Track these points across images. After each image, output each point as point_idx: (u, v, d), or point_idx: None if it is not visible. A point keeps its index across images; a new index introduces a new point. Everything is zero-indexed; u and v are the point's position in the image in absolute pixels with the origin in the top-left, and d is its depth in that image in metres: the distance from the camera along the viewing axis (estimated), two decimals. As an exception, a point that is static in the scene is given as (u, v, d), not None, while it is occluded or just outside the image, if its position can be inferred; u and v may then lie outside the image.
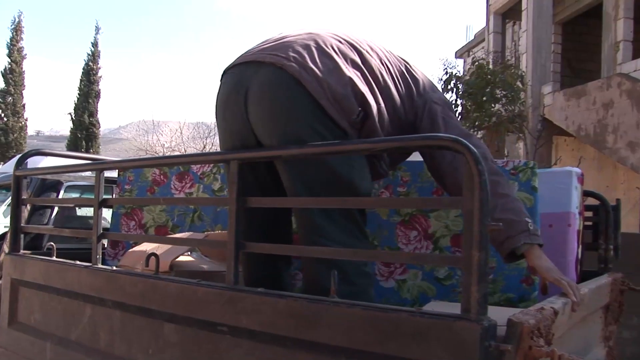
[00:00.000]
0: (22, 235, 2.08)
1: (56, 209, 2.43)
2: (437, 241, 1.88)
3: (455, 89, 10.12)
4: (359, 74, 1.38)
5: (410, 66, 1.53)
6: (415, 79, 1.50)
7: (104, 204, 1.75)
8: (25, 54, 22.97)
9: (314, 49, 1.38)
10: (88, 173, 2.55)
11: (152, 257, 1.55)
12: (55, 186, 2.43)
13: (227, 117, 1.48)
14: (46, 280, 1.88)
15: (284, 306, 1.16)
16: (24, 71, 22.84)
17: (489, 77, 9.48)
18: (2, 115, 22.55)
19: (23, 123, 23.02)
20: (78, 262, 1.80)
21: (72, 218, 2.53)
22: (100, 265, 1.71)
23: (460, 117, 8.95)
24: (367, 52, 1.44)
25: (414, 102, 1.47)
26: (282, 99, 1.35)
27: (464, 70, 12.15)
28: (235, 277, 1.32)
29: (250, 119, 1.41)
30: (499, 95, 9.65)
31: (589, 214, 2.29)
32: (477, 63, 10.15)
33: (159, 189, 2.40)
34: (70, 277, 1.78)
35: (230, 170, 1.32)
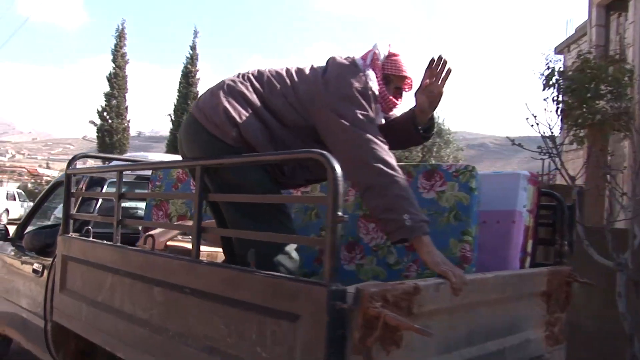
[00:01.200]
0: (71, 221, 2.67)
1: (100, 200, 3.02)
2: (388, 232, 2.19)
3: (557, 85, 9.75)
4: (237, 104, 1.84)
5: (317, 78, 1.87)
6: (310, 93, 1.84)
7: (123, 196, 2.27)
8: (128, 59, 24.28)
9: (209, 93, 1.95)
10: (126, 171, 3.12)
11: (150, 238, 2.03)
12: (100, 182, 3.02)
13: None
14: (83, 255, 2.43)
15: (218, 273, 1.58)
16: (127, 75, 24.11)
17: (594, 71, 9.04)
18: (107, 117, 23.79)
19: (126, 124, 24.22)
20: (104, 242, 2.33)
21: (112, 208, 3.12)
22: (117, 244, 2.22)
23: (561, 115, 8.64)
24: (255, 85, 1.89)
25: (308, 111, 1.83)
26: (186, 131, 1.99)
27: (564, 66, 11.67)
28: (196, 252, 1.75)
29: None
30: (603, 92, 9.18)
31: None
32: (582, 57, 9.68)
33: (181, 185, 2.89)
34: (98, 253, 2.32)
35: (196, 175, 1.77)
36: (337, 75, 1.85)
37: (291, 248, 1.84)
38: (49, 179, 31.48)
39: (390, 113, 2.05)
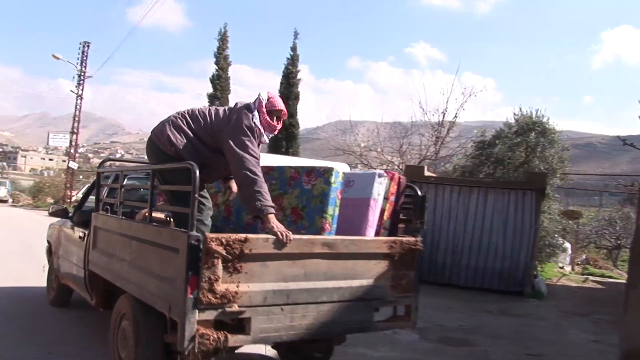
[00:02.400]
0: (101, 203, 4.02)
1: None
2: (285, 211, 3.28)
3: None
4: (175, 131, 3.00)
5: (225, 117, 3.03)
6: (222, 124, 2.99)
7: (122, 187, 3.58)
8: (230, 61, 24.06)
9: (161, 125, 3.12)
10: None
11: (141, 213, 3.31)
12: (123, 177, 4.39)
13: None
14: (104, 225, 3.77)
15: (148, 228, 2.81)
16: (229, 77, 23.82)
17: None
18: None
19: None
20: (113, 215, 3.65)
21: (129, 194, 4.47)
22: (119, 217, 3.52)
23: None
24: (188, 120, 3.06)
25: (225, 135, 2.96)
26: (149, 147, 3.17)
27: None
28: (149, 218, 2.99)
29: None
30: None
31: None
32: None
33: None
34: (109, 223, 3.64)
35: (150, 174, 3.01)
36: (236, 117, 3.01)
37: (205, 217, 3.02)
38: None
39: (275, 132, 3.18)
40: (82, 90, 29.82)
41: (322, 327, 2.88)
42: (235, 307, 2.54)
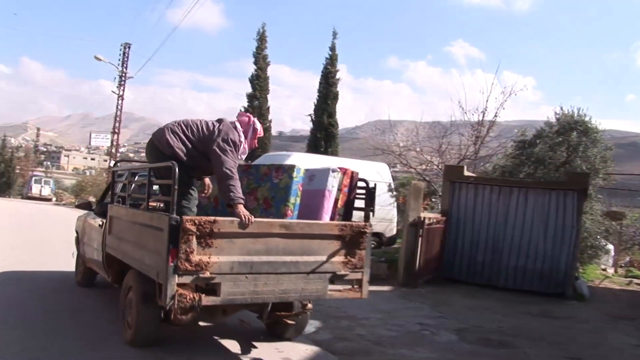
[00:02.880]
0: (115, 197, 4.85)
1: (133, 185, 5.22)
2: (259, 200, 4.01)
3: None
4: (172, 136, 3.76)
5: (214, 129, 3.78)
6: (211, 135, 3.74)
7: (131, 182, 4.39)
8: (269, 61, 24.22)
9: (161, 130, 3.90)
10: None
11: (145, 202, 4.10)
12: (135, 174, 5.22)
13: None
14: (117, 214, 4.59)
15: (142, 214, 3.59)
16: (268, 77, 24.10)
17: None
18: None
19: (268, 125, 23.93)
20: (123, 206, 4.46)
21: (138, 189, 5.29)
22: (127, 206, 4.32)
23: None
24: (183, 128, 3.82)
25: (212, 143, 3.70)
26: (149, 147, 3.96)
27: None
28: (146, 206, 3.76)
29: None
30: None
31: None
32: None
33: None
34: (120, 211, 4.45)
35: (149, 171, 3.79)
36: (224, 130, 3.81)
37: (192, 205, 3.78)
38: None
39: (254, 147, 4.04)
40: (123, 90, 30.33)
41: (281, 294, 3.60)
42: (207, 274, 3.28)
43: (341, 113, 23.59)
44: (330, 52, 23.05)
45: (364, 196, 4.14)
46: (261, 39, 23.93)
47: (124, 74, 30.11)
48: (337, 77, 23.18)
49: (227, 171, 3.59)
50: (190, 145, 3.81)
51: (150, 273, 3.50)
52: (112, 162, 28.32)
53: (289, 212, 3.79)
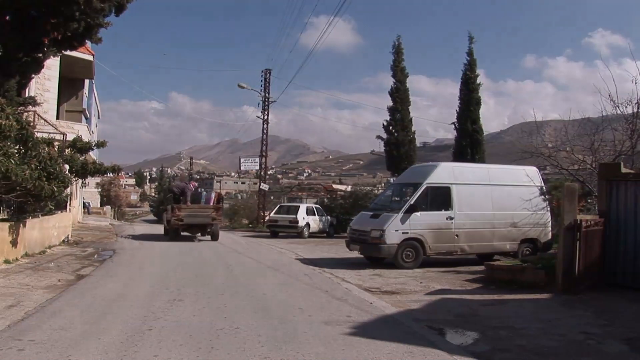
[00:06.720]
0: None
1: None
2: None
3: None
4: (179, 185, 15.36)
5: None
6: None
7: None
8: (407, 73, 23.90)
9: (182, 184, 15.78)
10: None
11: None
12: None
13: None
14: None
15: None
16: (407, 88, 23.78)
17: None
18: (393, 130, 23.66)
19: (411, 136, 23.90)
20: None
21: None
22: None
23: None
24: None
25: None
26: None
27: None
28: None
29: None
30: None
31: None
32: None
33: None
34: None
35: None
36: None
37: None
38: (342, 193, 33.23)
39: None
40: (267, 115, 30.40)
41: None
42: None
43: (484, 118, 23.00)
44: (468, 58, 22.51)
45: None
46: (397, 51, 23.55)
47: (266, 99, 30.41)
48: (478, 82, 22.62)
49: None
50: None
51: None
52: (262, 185, 30.76)
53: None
